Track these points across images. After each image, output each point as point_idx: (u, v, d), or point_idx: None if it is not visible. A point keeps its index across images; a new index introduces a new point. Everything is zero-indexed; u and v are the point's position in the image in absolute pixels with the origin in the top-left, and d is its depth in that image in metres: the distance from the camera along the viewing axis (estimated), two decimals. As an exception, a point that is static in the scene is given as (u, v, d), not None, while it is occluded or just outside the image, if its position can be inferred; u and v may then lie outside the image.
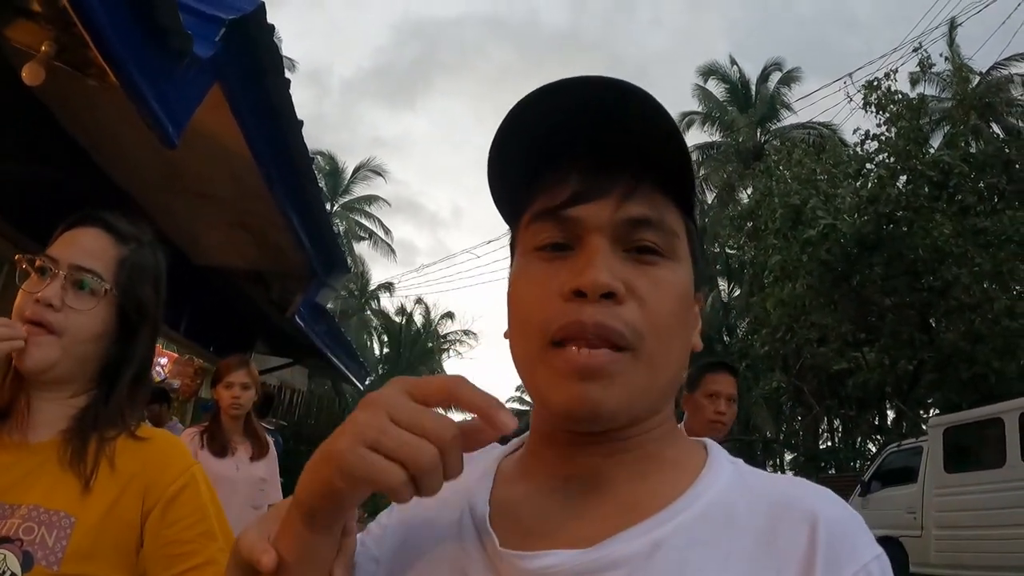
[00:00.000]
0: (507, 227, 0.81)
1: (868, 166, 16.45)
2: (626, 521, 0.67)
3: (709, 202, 27.82)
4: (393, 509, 0.83)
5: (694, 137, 29.03)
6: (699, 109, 29.17)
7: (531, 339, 0.71)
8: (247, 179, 3.60)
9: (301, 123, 3.43)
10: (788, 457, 26.23)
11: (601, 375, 0.66)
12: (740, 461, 0.75)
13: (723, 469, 0.73)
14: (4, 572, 1.06)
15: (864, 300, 16.06)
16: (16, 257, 1.24)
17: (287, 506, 0.72)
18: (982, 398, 11.95)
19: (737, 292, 27.52)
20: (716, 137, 28.56)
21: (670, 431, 0.76)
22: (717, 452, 0.75)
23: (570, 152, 0.71)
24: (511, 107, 0.69)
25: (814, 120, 25.74)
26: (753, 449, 22.88)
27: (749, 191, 20.54)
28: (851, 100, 17.67)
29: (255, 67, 2.74)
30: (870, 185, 15.71)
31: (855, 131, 19.13)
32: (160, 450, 1.25)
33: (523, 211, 0.75)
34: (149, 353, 1.32)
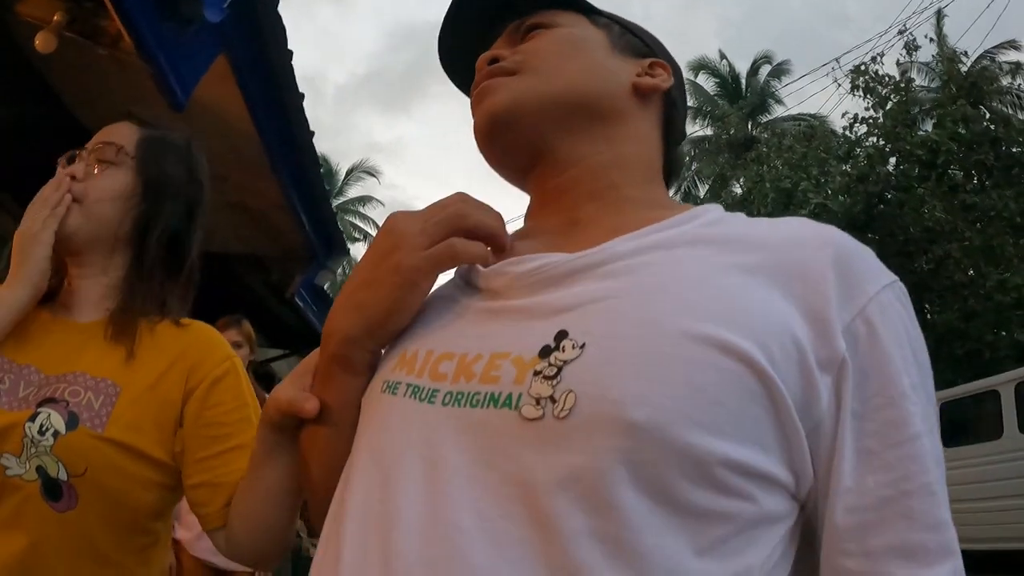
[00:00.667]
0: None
1: (857, 149, 16.52)
2: (618, 234, 0.70)
3: (702, 195, 27.88)
4: None
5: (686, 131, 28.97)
6: (691, 104, 29.17)
7: None
8: (250, 155, 3.64)
9: (302, 96, 3.48)
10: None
11: (489, 89, 0.79)
12: (740, 214, 0.76)
13: (717, 207, 0.75)
14: (48, 428, 1.07)
15: (859, 282, 16.03)
16: (58, 160, 1.27)
17: (315, 360, 0.78)
18: (977, 374, 12.01)
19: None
20: (708, 131, 28.64)
21: (648, 183, 0.81)
22: (713, 208, 0.75)
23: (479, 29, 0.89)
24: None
25: (803, 112, 25.95)
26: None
27: (741, 182, 20.58)
28: (839, 85, 17.73)
29: (259, 38, 2.79)
30: (860, 165, 15.82)
31: (843, 115, 19.28)
32: (205, 336, 1.27)
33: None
34: (186, 228, 1.30)
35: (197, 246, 1.33)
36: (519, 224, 0.87)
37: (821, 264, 0.62)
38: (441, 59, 0.92)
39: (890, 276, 0.65)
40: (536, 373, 0.59)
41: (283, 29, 2.86)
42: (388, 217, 0.77)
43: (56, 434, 1.07)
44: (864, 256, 0.66)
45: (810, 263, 0.63)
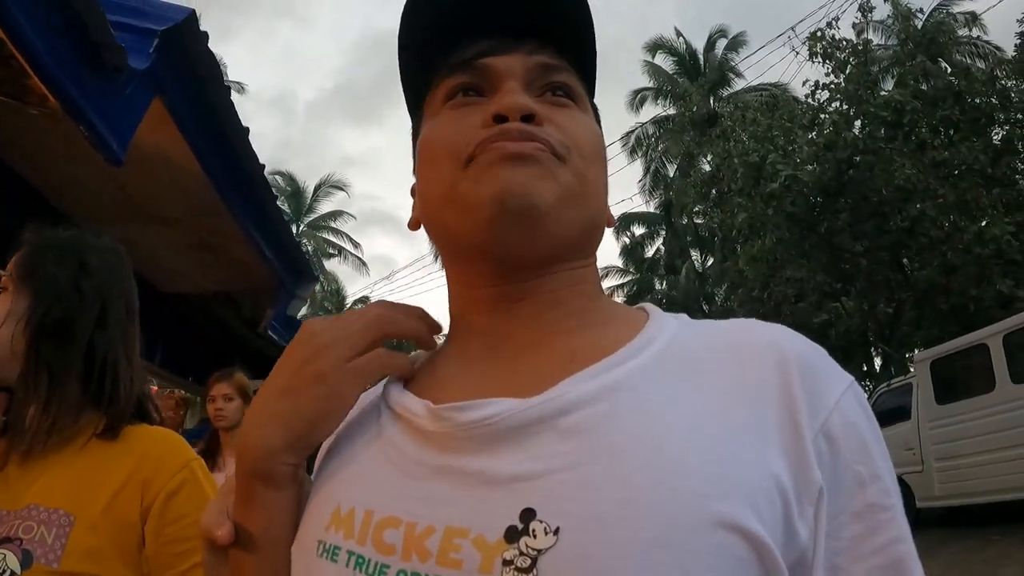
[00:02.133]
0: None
1: (822, 116, 16.56)
2: (571, 369, 0.61)
3: (671, 175, 27.98)
4: None
5: (648, 112, 29.16)
6: (650, 85, 29.33)
7: (444, 170, 0.66)
8: (201, 195, 3.55)
9: (247, 130, 3.40)
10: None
11: (534, 161, 0.63)
12: (684, 315, 0.71)
13: (668, 320, 0.68)
14: (4, 571, 1.05)
15: (835, 248, 16.21)
16: None
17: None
18: (963, 328, 12.08)
19: (710, 261, 27.69)
20: (671, 110, 28.73)
21: (600, 293, 0.73)
22: (657, 309, 0.71)
23: (475, 23, 0.70)
24: None
25: (764, 83, 26.12)
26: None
27: (709, 158, 20.66)
28: (797, 53, 17.84)
29: (193, 77, 2.71)
30: (826, 132, 15.79)
31: (804, 83, 19.38)
32: (157, 445, 1.23)
33: (430, 88, 0.73)
34: (88, 322, 1.26)
35: (119, 343, 1.29)
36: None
37: (788, 383, 0.59)
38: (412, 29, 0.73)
39: (845, 379, 0.61)
40: (507, 563, 0.53)
41: (217, 65, 2.78)
42: (304, 324, 0.69)
43: (13, 575, 1.05)
44: (820, 362, 0.62)
45: (777, 383, 0.59)
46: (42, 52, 2.01)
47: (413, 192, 0.76)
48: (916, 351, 16.24)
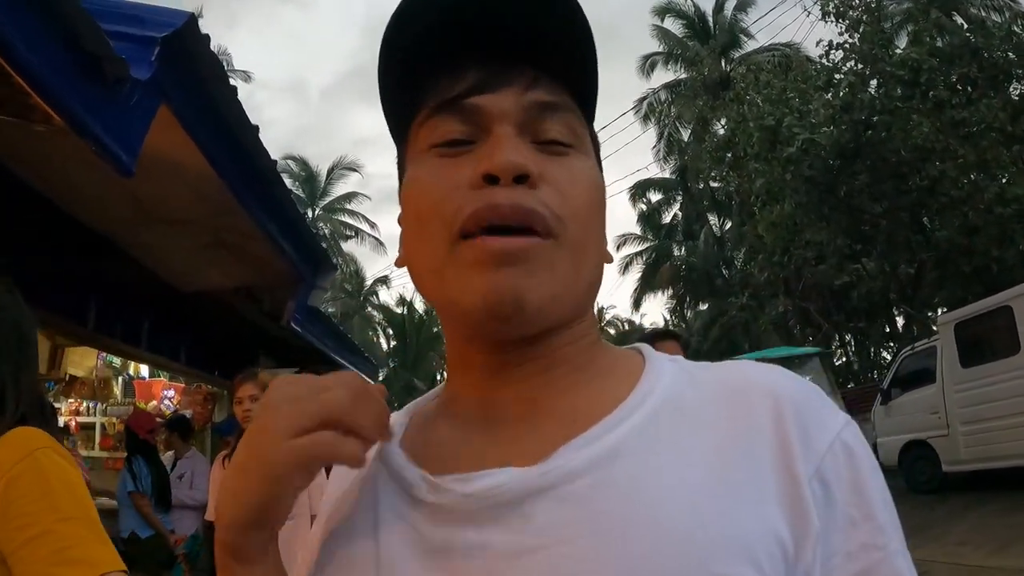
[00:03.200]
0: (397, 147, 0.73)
1: (837, 76, 16.32)
2: (569, 434, 0.60)
3: (686, 140, 27.72)
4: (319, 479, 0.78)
5: (660, 78, 28.82)
6: (661, 49, 28.99)
7: (435, 240, 0.62)
8: (214, 195, 3.54)
9: (257, 128, 3.37)
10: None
11: (522, 259, 0.59)
12: (680, 357, 0.70)
13: (664, 367, 0.67)
14: None
15: (855, 210, 16.09)
16: None
17: None
18: (987, 289, 11.95)
19: (728, 225, 27.44)
20: (681, 74, 28.40)
21: (596, 340, 0.70)
22: (653, 352, 0.70)
23: (464, 47, 0.64)
24: (399, 2, 0.64)
25: (776, 43, 25.72)
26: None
27: (723, 122, 20.49)
28: (809, 13, 17.53)
29: (198, 80, 2.67)
30: (842, 94, 15.61)
31: (818, 43, 19.08)
32: (6, 442, 1.35)
33: (415, 114, 0.67)
34: None
35: (6, 370, 1.45)
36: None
37: (784, 430, 0.59)
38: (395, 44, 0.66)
39: (839, 420, 0.61)
40: None
41: (221, 66, 2.75)
42: (270, 386, 0.63)
43: None
44: (815, 404, 0.62)
45: (773, 431, 0.59)
46: (41, 69, 1.98)
47: (400, 221, 0.70)
48: (939, 312, 16.14)
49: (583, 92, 0.67)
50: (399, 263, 0.71)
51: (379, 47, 0.66)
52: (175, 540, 5.77)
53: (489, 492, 0.59)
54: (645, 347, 0.72)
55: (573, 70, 0.65)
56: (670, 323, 31.27)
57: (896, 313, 19.11)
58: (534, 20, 0.62)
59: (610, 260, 0.72)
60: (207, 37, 2.56)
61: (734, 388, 0.63)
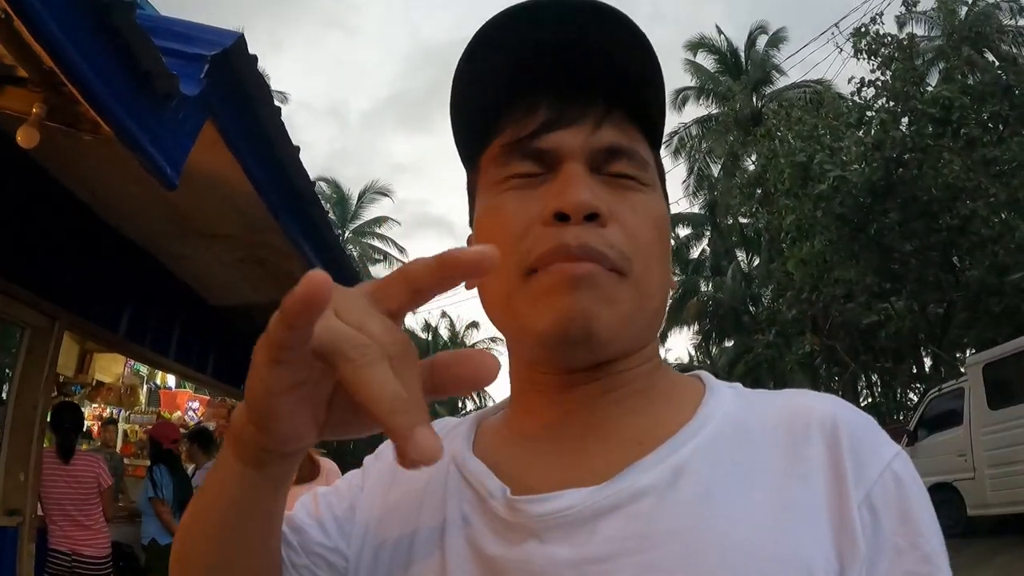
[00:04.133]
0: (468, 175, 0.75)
1: (868, 113, 16.27)
2: (636, 454, 0.63)
3: (716, 175, 27.70)
4: (368, 468, 0.78)
5: (691, 112, 28.89)
6: (692, 84, 29.04)
7: (507, 272, 0.64)
8: (252, 212, 3.63)
9: (298, 149, 3.45)
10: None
11: (591, 284, 0.61)
12: (738, 384, 0.72)
13: (724, 393, 0.69)
14: None
15: (885, 248, 15.91)
16: None
17: None
18: (1016, 330, 11.79)
19: (756, 261, 27.34)
20: (713, 109, 28.38)
21: (658, 365, 0.72)
22: (713, 379, 0.72)
23: (538, 80, 0.66)
24: (474, 35, 0.65)
25: (807, 79, 25.59)
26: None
27: (753, 158, 20.52)
28: (841, 50, 17.54)
29: (243, 99, 2.76)
30: (873, 131, 15.54)
31: (850, 80, 19.06)
32: None
33: (487, 147, 0.69)
34: None
35: None
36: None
37: (838, 456, 0.61)
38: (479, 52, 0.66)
39: (891, 449, 0.63)
40: None
41: (267, 87, 2.83)
42: None
43: None
44: (869, 433, 0.63)
45: (828, 458, 0.61)
46: (93, 80, 2.06)
47: (469, 242, 0.73)
48: (968, 353, 15.92)
49: (651, 122, 0.70)
50: (469, 286, 0.70)
51: (453, 78, 0.68)
52: None
53: (559, 513, 0.61)
54: (705, 374, 0.74)
55: (643, 103, 0.68)
56: (695, 359, 31.11)
57: (924, 354, 18.89)
58: (607, 56, 0.64)
59: (674, 287, 0.74)
60: (254, 57, 2.65)
61: (792, 413, 0.64)
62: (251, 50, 2.65)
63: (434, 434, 0.41)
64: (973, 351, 14.63)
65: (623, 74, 0.65)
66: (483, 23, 0.65)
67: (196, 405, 9.30)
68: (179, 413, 9.06)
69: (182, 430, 7.24)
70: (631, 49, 0.65)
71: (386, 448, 0.79)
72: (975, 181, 13.63)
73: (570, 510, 0.60)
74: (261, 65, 2.76)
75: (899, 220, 15.25)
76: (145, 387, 9.10)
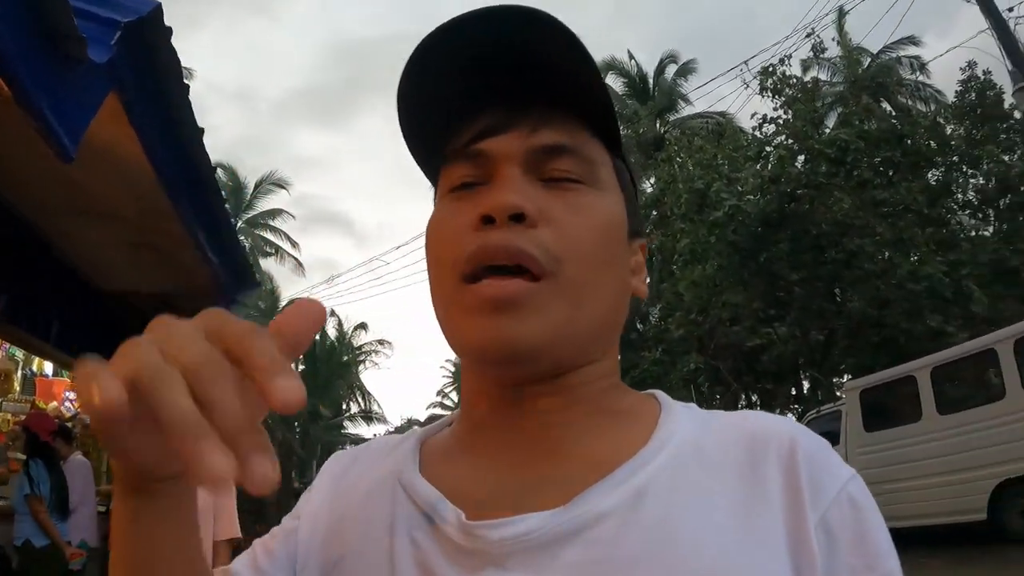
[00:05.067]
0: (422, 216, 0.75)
1: (767, 148, 17.07)
2: (594, 476, 0.62)
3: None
4: (300, 505, 0.76)
5: None
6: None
7: (444, 280, 0.65)
8: (149, 195, 3.42)
9: (201, 131, 3.29)
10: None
11: (513, 306, 0.60)
12: (693, 405, 0.72)
13: (680, 413, 0.69)
14: None
15: (773, 276, 16.59)
16: None
17: None
18: (893, 359, 12.44)
19: (647, 280, 28.19)
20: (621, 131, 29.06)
21: (617, 384, 0.71)
22: (668, 399, 0.72)
23: (479, 91, 0.66)
24: (410, 53, 0.64)
25: (711, 110, 26.48)
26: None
27: (652, 181, 21.08)
28: (747, 86, 18.21)
29: (153, 73, 2.60)
30: (771, 166, 16.32)
31: (752, 116, 19.86)
32: None
33: (439, 159, 0.71)
34: None
35: None
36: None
37: (795, 479, 0.61)
38: (411, 81, 0.66)
39: (846, 473, 0.63)
40: None
41: (178, 63, 2.67)
42: None
43: None
44: (824, 456, 0.63)
45: (785, 481, 0.61)
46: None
47: None
48: (845, 378, 16.70)
49: (601, 124, 0.68)
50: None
51: (396, 99, 0.67)
52: (71, 554, 5.45)
53: (519, 539, 0.59)
54: (660, 393, 0.73)
55: (587, 102, 0.66)
56: None
57: (803, 377, 19.67)
58: (545, 59, 0.63)
59: (641, 294, 0.73)
60: (169, 30, 2.50)
61: (749, 435, 0.64)
62: (167, 22, 2.51)
63: (225, 455, 0.36)
64: (850, 377, 15.32)
65: (562, 76, 0.64)
66: (417, 43, 0.64)
67: (73, 395, 8.80)
68: (55, 403, 8.54)
69: (57, 421, 6.83)
70: (568, 51, 0.63)
71: (319, 479, 0.77)
72: (863, 220, 14.36)
73: (530, 535, 0.59)
74: (174, 39, 2.61)
75: (788, 251, 15.91)
76: (20, 373, 8.56)
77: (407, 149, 0.73)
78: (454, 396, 55.18)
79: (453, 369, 54.77)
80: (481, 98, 0.66)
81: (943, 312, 13.79)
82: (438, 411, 54.02)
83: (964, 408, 9.57)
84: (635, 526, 0.58)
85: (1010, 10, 14.12)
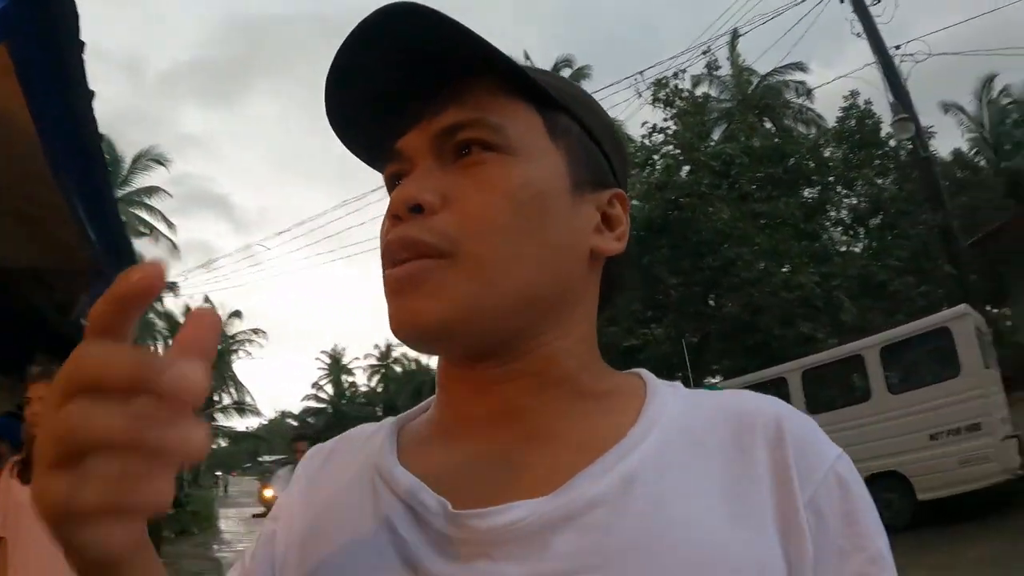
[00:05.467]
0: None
1: (655, 156, 17.51)
2: (583, 460, 0.61)
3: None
4: (282, 503, 0.74)
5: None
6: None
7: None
8: (28, 158, 3.13)
9: (92, 94, 3.03)
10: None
11: (412, 284, 0.61)
12: (678, 383, 0.71)
13: (665, 393, 0.68)
14: None
15: (653, 279, 16.96)
16: None
17: None
18: (766, 362, 12.96)
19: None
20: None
21: (591, 364, 0.69)
22: (653, 378, 0.71)
23: (385, 96, 0.67)
24: (326, 79, 0.66)
25: (601, 118, 26.99)
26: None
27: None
28: (640, 96, 18.58)
29: (48, 26, 2.37)
30: (657, 173, 16.78)
31: (643, 124, 20.38)
32: None
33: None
34: None
35: None
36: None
37: (784, 459, 0.61)
38: (330, 112, 0.69)
39: (833, 451, 0.63)
40: None
41: (76, 19, 2.45)
42: None
43: None
44: (812, 436, 0.64)
45: (774, 459, 0.61)
46: None
47: None
48: (716, 379, 17.36)
49: (519, 85, 0.65)
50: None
51: (327, 117, 0.69)
52: None
53: (509, 527, 0.58)
54: (645, 372, 0.72)
55: (487, 68, 0.64)
56: None
57: (676, 377, 20.36)
58: (425, 44, 0.62)
59: (608, 251, 0.69)
60: (69, -21, 2.28)
61: (737, 414, 0.64)
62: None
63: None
64: (722, 378, 15.89)
65: (445, 53, 0.63)
66: (327, 70, 0.65)
67: None
68: None
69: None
70: (438, 28, 0.61)
71: (296, 477, 0.75)
72: (742, 230, 14.95)
73: (520, 523, 0.58)
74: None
75: (669, 256, 16.37)
76: None
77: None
78: (329, 389, 54.13)
79: (328, 361, 53.96)
80: (398, 99, 0.66)
81: (814, 320, 14.52)
82: (312, 404, 53.23)
83: (832, 408, 10.08)
84: (626, 513, 0.58)
85: (897, 47, 14.88)
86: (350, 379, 55.39)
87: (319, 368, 53.98)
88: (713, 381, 17.69)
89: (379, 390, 51.70)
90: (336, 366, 54.64)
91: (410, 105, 0.66)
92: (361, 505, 0.65)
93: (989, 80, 24.74)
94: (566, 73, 29.42)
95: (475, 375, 0.66)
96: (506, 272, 0.62)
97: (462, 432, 0.67)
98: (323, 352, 55.07)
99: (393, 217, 0.63)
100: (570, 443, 0.63)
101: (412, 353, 41.19)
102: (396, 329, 0.63)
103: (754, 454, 0.61)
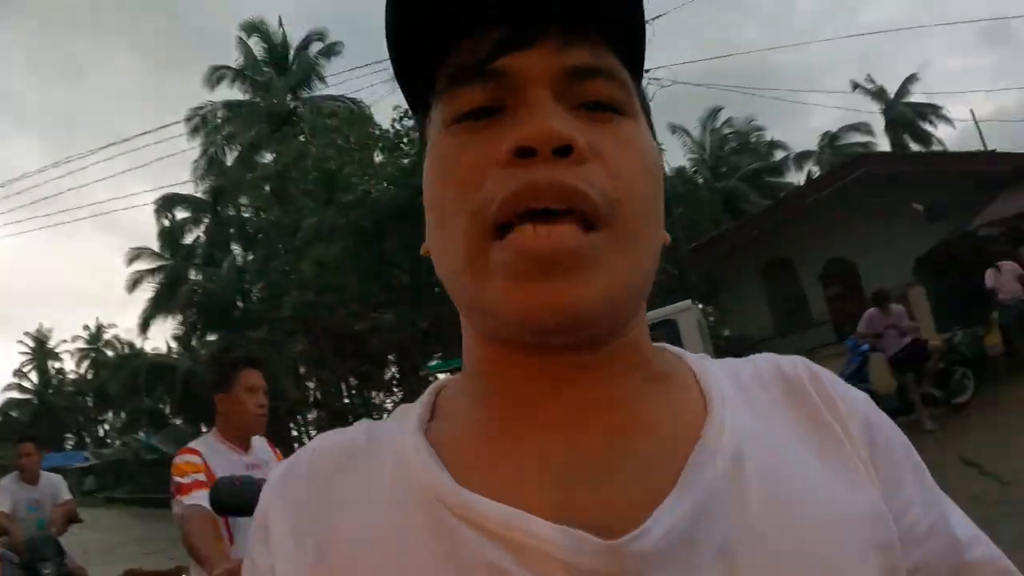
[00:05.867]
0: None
1: (404, 141, 18.19)
2: (682, 448, 0.52)
3: (229, 163, 24.63)
4: (263, 550, 0.57)
5: (224, 94, 25.83)
6: (236, 65, 26.04)
7: (462, 235, 0.51)
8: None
9: None
10: (312, 416, 24.38)
11: (573, 263, 0.48)
12: (704, 355, 0.64)
13: (709, 363, 0.62)
14: None
15: (389, 265, 17.82)
16: None
17: None
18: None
19: (251, 256, 24.55)
20: (248, 96, 26.29)
21: (647, 336, 0.60)
22: (678, 349, 0.64)
23: (487, 5, 0.52)
24: None
25: (345, 95, 24.71)
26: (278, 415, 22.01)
27: (274, 154, 20.20)
28: (393, 80, 16.29)
29: None
30: (406, 160, 17.67)
31: (395, 108, 17.76)
32: None
33: (434, 83, 0.55)
34: None
35: None
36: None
37: (836, 406, 0.59)
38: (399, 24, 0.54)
39: (862, 395, 0.62)
40: None
41: None
42: None
43: None
44: (838, 380, 0.63)
45: (826, 408, 0.59)
46: None
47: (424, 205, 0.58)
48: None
49: (629, 50, 0.55)
50: (424, 251, 0.59)
51: (384, 10, 0.53)
52: None
53: (664, 539, 0.48)
54: (667, 345, 0.65)
55: (612, 19, 0.53)
56: (174, 351, 30.68)
57: (403, 363, 18.47)
58: None
59: (667, 241, 0.58)
60: None
61: (777, 370, 0.61)
62: None
63: None
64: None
65: None
66: None
67: None
68: None
69: None
70: None
71: (268, 535, 0.57)
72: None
73: (671, 533, 0.48)
74: None
75: (408, 242, 16.01)
76: None
77: (393, 68, 0.57)
78: (34, 377, 46.26)
79: (32, 345, 45.55)
80: (490, 11, 0.52)
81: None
82: (15, 394, 45.88)
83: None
84: (750, 491, 0.51)
85: (647, 71, 13.93)
86: (57, 365, 47.84)
87: (21, 353, 47.19)
88: (432, 363, 18.28)
89: (89, 377, 44.33)
90: (41, 350, 47.45)
91: (505, 23, 0.51)
92: (423, 553, 0.50)
93: (715, 111, 29.54)
94: (316, 47, 24.76)
95: (556, 363, 0.53)
96: (648, 251, 0.53)
97: (529, 431, 0.54)
98: (26, 334, 47.33)
99: (519, 152, 0.48)
100: (661, 428, 0.54)
101: (125, 335, 41.41)
102: (538, 315, 0.48)
103: (811, 406, 0.58)
